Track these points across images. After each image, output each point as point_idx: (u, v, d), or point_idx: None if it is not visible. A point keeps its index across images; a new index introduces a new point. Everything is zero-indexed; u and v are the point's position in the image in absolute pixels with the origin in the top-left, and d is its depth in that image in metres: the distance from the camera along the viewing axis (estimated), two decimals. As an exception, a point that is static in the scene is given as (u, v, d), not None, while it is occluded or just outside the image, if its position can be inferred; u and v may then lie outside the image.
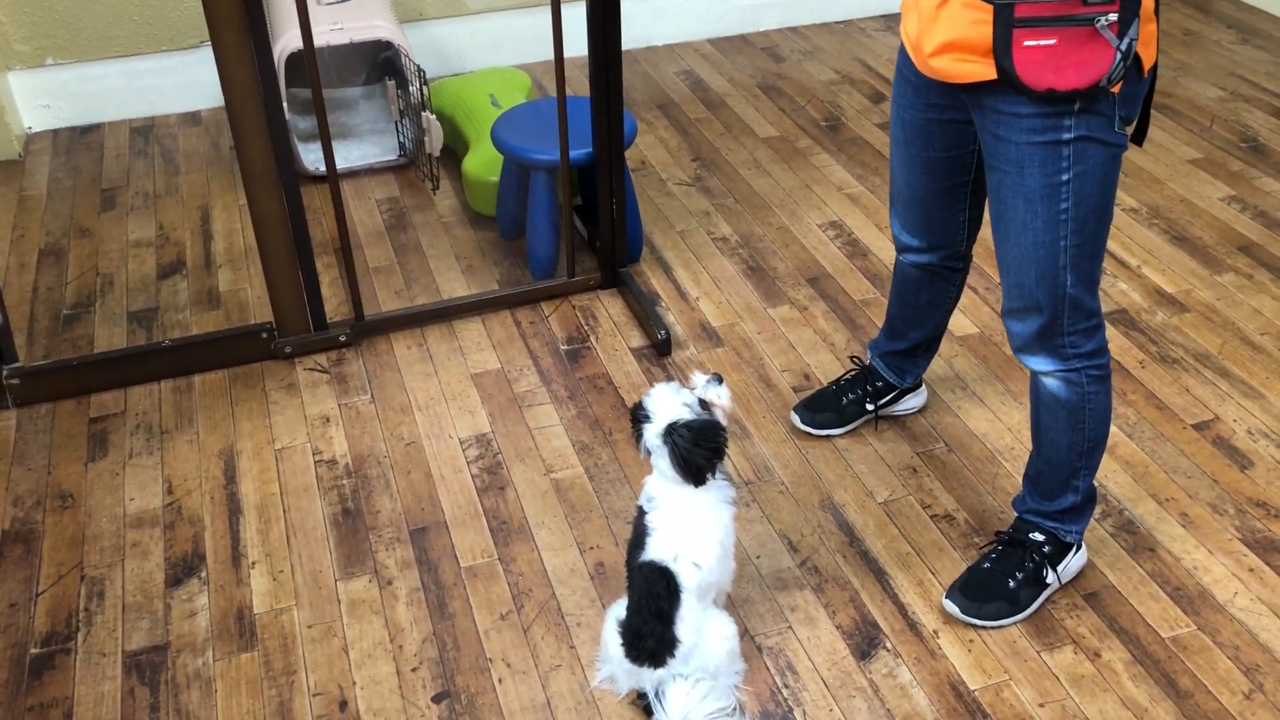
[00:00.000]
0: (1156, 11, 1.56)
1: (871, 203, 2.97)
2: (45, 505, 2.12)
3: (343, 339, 2.48)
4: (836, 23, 4.01)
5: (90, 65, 3.38)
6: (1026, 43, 1.49)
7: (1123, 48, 1.47)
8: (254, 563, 1.99)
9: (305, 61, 2.21)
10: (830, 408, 2.23)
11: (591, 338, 2.52)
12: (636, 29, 3.79)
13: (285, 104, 2.52)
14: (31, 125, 3.41)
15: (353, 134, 3.26)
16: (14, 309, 2.62)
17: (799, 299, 2.63)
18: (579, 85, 3.55)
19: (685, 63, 3.76)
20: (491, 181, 2.85)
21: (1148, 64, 1.58)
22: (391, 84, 3.01)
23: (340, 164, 3.04)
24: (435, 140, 2.89)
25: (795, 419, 2.24)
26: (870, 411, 2.22)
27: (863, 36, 3.90)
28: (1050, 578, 1.87)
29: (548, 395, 2.36)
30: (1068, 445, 1.81)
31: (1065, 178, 1.58)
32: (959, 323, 2.52)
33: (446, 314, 2.58)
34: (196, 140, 3.35)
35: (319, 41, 2.86)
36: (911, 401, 2.27)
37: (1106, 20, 1.46)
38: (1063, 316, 1.69)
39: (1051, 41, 1.48)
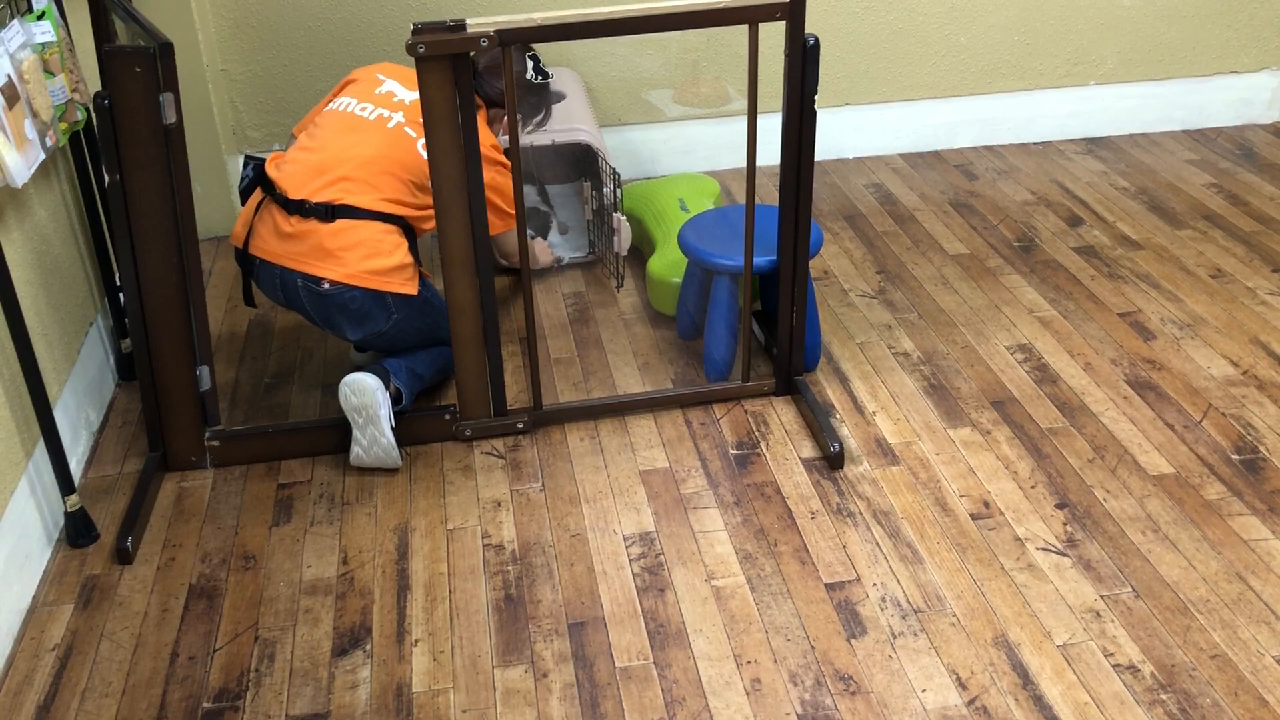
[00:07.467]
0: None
1: (1064, 328, 2.87)
2: (230, 564, 2.22)
3: (520, 426, 2.54)
4: (1034, 144, 3.94)
5: (312, 152, 3.63)
6: None
7: None
8: (416, 640, 2.03)
9: (510, 160, 2.31)
10: None
11: (762, 444, 2.50)
12: (828, 140, 3.82)
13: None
14: (254, 204, 3.67)
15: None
16: (221, 374, 2.79)
17: (982, 422, 2.54)
18: (767, 193, 3.59)
19: (875, 176, 3.76)
20: (674, 283, 2.90)
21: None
22: (587, 184, 3.11)
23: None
24: (624, 240, 2.96)
25: None
26: None
27: (1061, 159, 3.82)
28: None
29: (714, 499, 2.34)
30: None
31: None
32: (1153, 460, 2.39)
33: (620, 409, 2.61)
34: (400, 226, 3.53)
35: (523, 142, 2.99)
36: None
37: None
38: None
39: None
